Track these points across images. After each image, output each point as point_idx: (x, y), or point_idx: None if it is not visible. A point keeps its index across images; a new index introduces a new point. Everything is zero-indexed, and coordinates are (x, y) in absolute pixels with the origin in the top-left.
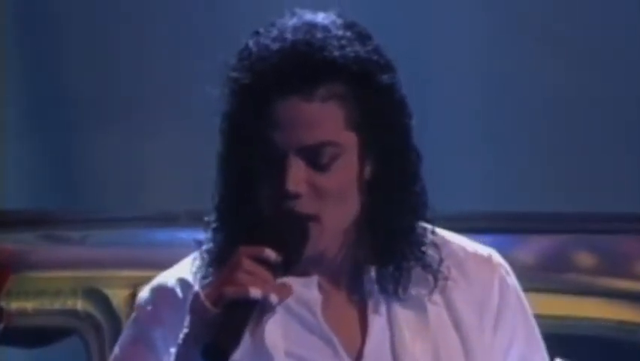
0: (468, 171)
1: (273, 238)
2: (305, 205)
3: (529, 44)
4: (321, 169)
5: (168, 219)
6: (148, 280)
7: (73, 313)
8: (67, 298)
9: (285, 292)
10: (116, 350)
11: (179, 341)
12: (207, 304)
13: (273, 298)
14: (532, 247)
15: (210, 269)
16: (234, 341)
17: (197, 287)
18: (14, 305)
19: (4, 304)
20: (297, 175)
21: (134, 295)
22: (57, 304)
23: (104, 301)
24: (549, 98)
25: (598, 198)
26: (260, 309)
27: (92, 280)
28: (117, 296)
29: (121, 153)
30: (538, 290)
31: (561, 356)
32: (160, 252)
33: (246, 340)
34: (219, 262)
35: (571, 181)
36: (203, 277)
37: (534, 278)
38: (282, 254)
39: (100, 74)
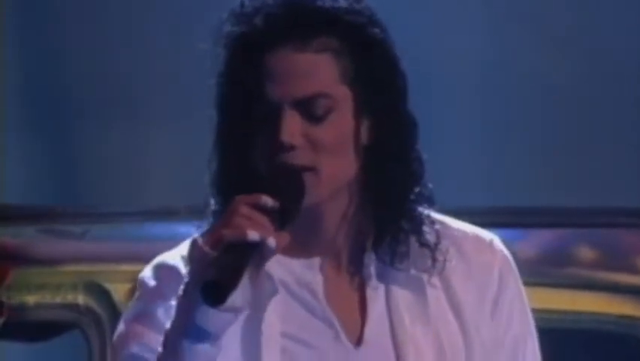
0: (469, 166)
1: (269, 189)
2: (300, 157)
3: (529, 42)
4: (316, 121)
5: (168, 214)
6: None
7: (74, 307)
8: (68, 292)
9: (282, 238)
10: (121, 326)
11: (179, 292)
12: (206, 248)
13: (271, 241)
14: (533, 242)
15: None
16: (233, 279)
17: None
18: (15, 300)
19: (5, 298)
20: (292, 127)
21: (134, 290)
22: (58, 299)
23: (104, 296)
24: (550, 94)
25: (598, 193)
26: (259, 254)
27: (93, 275)
28: (118, 290)
29: (121, 148)
30: (538, 284)
31: (560, 350)
32: (160, 246)
33: (243, 319)
34: None
35: (571, 176)
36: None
37: (534, 272)
38: (279, 203)
39: (100, 71)
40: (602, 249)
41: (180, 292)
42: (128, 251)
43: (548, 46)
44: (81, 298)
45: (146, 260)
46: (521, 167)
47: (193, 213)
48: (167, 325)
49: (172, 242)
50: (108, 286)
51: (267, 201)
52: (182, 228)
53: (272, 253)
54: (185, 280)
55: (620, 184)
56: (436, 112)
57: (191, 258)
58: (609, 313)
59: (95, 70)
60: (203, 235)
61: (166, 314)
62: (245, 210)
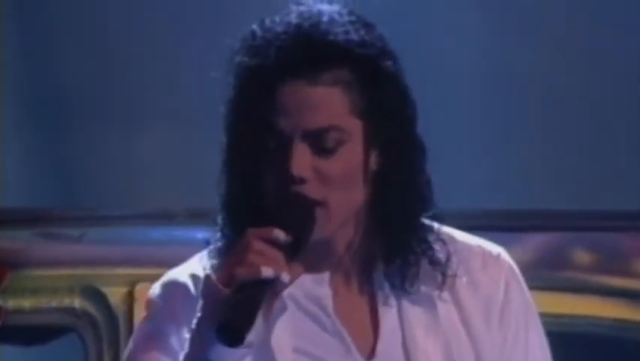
0: (465, 168)
1: (280, 221)
2: (311, 191)
3: (528, 43)
4: (327, 155)
5: (166, 217)
6: (145, 277)
7: (71, 311)
8: (64, 295)
9: (296, 271)
10: (130, 345)
11: (193, 326)
12: (220, 286)
13: (285, 276)
14: (529, 245)
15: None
16: (249, 321)
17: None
18: (11, 303)
19: (1, 302)
20: (302, 160)
21: (131, 293)
22: (54, 302)
23: (101, 299)
24: (548, 96)
25: (595, 196)
26: (272, 289)
27: (90, 278)
28: (114, 294)
29: (118, 151)
30: (534, 288)
31: (556, 354)
32: (157, 250)
33: (254, 336)
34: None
35: (568, 179)
36: (214, 273)
37: (531, 276)
38: (290, 236)
39: (98, 74)
40: (598, 252)
41: (193, 325)
42: (125, 255)
43: (548, 46)
44: (77, 302)
45: (143, 264)
46: (520, 170)
47: (191, 216)
48: (178, 347)
49: (169, 246)
50: (105, 289)
51: (279, 235)
52: (179, 231)
53: (285, 287)
54: (198, 314)
55: (618, 187)
56: (435, 113)
57: (204, 294)
58: (605, 316)
59: (95, 71)
60: (215, 271)
61: (177, 336)
62: (257, 245)
